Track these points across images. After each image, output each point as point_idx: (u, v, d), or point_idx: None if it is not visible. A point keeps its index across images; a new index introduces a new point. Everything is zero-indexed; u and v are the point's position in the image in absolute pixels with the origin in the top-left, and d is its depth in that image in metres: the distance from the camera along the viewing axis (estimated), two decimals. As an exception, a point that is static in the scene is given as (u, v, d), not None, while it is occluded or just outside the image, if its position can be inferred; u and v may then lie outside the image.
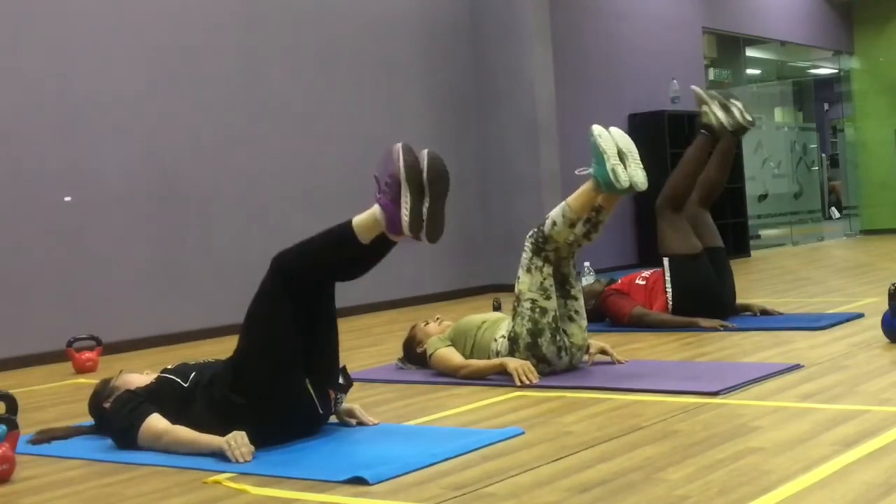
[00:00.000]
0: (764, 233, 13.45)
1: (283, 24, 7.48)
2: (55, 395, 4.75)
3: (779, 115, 15.02)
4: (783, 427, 2.99)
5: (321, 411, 3.22)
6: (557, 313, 4.12)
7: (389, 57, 8.25)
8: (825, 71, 15.53)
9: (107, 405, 3.36)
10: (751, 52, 13.61)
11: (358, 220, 3.10)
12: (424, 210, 2.99)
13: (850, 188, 15.18)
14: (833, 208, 15.64)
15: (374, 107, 8.06)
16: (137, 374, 3.50)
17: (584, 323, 4.26)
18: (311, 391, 3.15)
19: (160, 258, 6.60)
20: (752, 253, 11.37)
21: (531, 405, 3.61)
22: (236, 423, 3.07)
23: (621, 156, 3.92)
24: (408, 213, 2.96)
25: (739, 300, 5.70)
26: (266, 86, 7.32)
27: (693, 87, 5.93)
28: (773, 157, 13.40)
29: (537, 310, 4.09)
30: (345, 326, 6.66)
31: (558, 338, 4.10)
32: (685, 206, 5.54)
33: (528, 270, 4.12)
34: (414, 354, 4.49)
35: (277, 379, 3.11)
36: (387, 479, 2.67)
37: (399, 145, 3.05)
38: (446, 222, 3.06)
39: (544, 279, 4.10)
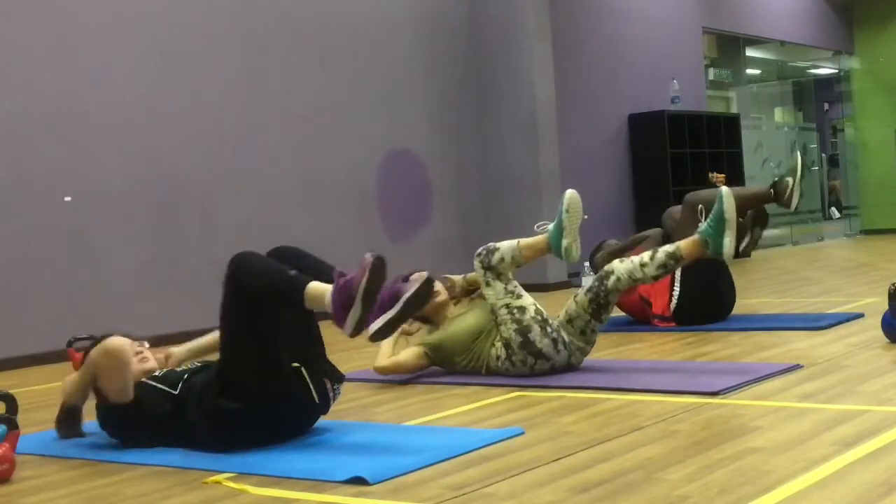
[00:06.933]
0: (764, 233, 13.41)
1: (283, 24, 7.48)
2: (55, 395, 4.73)
3: (779, 115, 15.02)
4: (783, 427, 2.99)
5: (318, 401, 3.21)
6: (538, 306, 4.18)
7: (389, 57, 8.25)
8: (825, 71, 15.53)
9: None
10: (751, 52, 13.60)
11: (313, 289, 2.96)
12: (387, 317, 2.87)
13: (850, 188, 15.18)
14: (833, 208, 15.63)
15: (374, 106, 8.06)
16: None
17: (592, 342, 4.27)
18: (307, 377, 3.15)
19: (160, 258, 6.60)
20: (752, 253, 11.33)
21: (531, 405, 3.61)
22: (234, 428, 3.07)
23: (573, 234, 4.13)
24: (353, 325, 2.88)
25: None
26: (266, 86, 7.32)
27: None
28: (773, 157, 13.39)
29: (515, 311, 4.15)
30: (345, 326, 6.68)
31: (549, 330, 4.13)
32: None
33: (488, 284, 4.24)
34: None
35: (265, 370, 3.09)
36: (387, 479, 2.66)
37: (370, 259, 2.86)
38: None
39: (506, 284, 4.21)
